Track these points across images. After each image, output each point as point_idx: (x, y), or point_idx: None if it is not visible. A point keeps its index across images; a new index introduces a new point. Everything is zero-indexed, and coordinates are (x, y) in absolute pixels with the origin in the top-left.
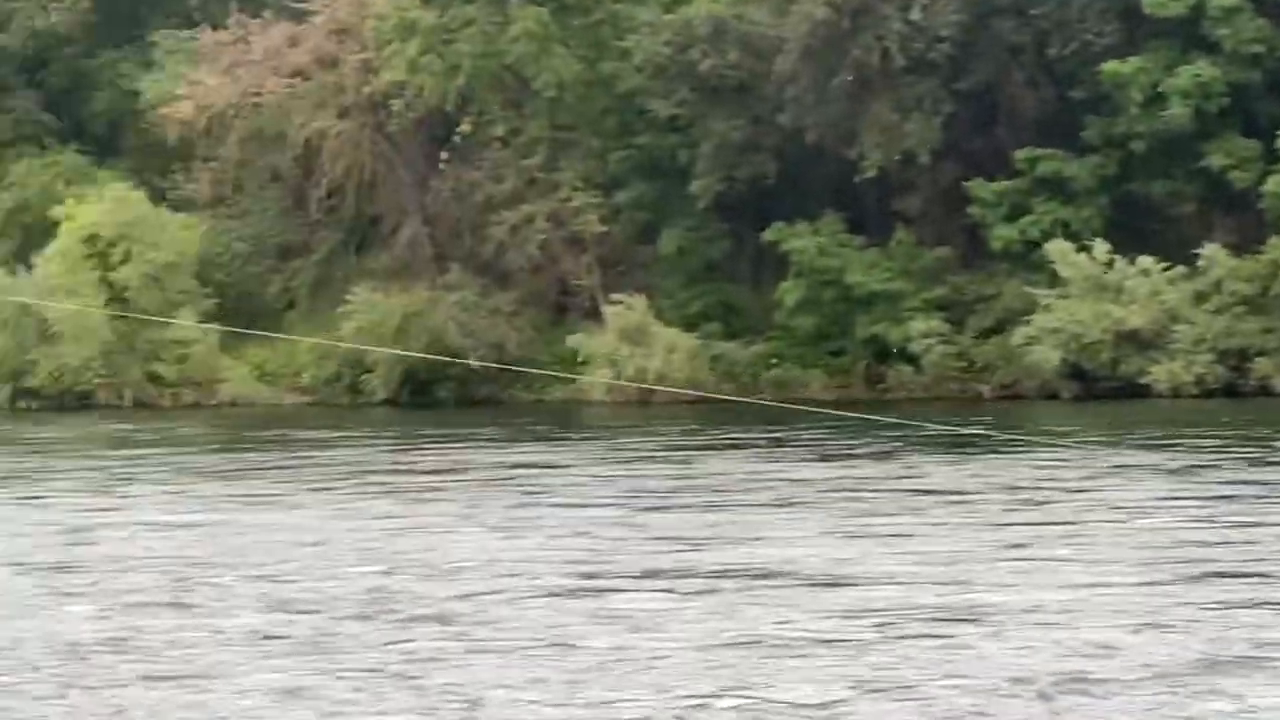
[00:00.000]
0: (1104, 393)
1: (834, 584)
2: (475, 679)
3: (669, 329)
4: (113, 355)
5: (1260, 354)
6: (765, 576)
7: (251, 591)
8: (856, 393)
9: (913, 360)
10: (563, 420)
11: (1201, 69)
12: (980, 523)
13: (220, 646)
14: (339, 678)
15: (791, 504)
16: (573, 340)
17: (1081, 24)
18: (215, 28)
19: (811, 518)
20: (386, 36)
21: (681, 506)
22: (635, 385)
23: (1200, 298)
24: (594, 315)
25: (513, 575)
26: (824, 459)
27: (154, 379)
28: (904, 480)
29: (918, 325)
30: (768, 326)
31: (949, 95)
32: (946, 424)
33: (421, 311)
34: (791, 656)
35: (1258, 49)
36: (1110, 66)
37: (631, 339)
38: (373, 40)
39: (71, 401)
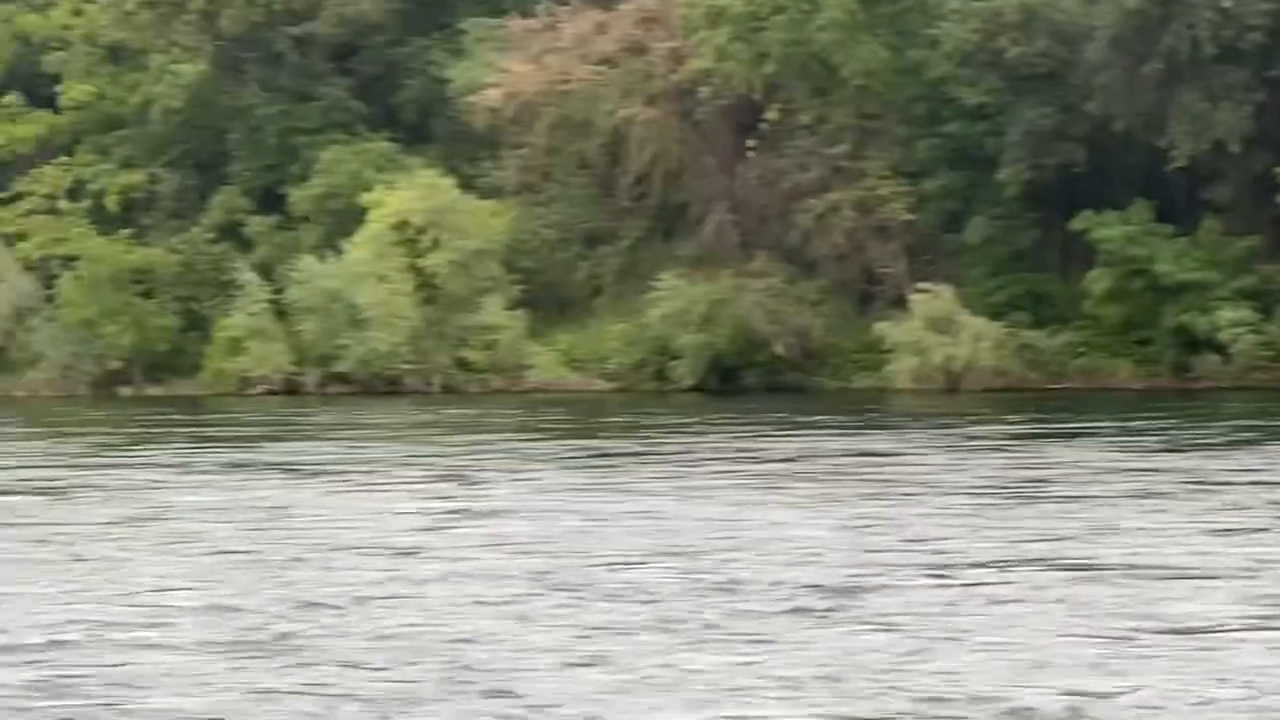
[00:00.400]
0: None
1: (1205, 576)
2: (841, 661)
3: (975, 318)
4: (420, 341)
5: None
6: (1132, 569)
7: (613, 579)
8: (1163, 382)
9: (1221, 350)
10: (878, 408)
11: None
12: None
13: (580, 633)
14: (697, 667)
15: (1149, 495)
16: (879, 328)
17: None
18: (524, 15)
19: (1172, 510)
20: (695, 24)
21: (1037, 497)
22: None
23: None
24: (900, 304)
25: (872, 564)
26: (1173, 449)
27: (462, 365)
28: (1261, 472)
29: (1226, 314)
30: (1075, 315)
31: (1260, 84)
32: None
33: (727, 299)
34: (1166, 650)
35: None
36: None
37: (938, 327)
38: (681, 28)
39: (379, 386)
